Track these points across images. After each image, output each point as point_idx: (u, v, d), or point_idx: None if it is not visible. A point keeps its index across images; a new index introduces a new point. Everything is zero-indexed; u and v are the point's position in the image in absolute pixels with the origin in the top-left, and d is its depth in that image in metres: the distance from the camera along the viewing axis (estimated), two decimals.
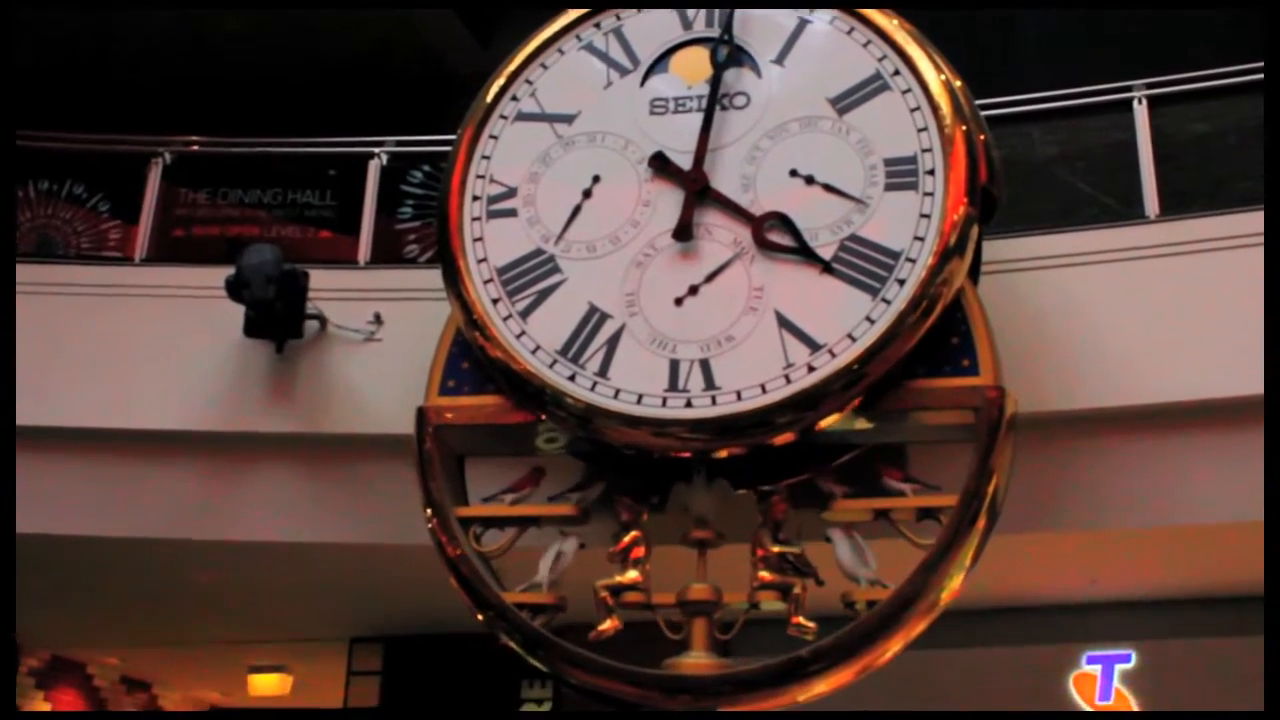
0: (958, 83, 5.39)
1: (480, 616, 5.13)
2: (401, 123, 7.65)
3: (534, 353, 5.24)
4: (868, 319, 4.99)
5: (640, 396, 5.07)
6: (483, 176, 5.68)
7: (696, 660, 5.03)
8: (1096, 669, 7.87)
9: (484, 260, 5.49)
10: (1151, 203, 6.24)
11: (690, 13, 5.83)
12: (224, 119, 8.64)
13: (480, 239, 5.54)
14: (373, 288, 6.65)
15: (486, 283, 5.44)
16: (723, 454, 5.09)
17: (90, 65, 9.96)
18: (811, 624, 4.96)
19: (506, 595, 5.10)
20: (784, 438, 5.01)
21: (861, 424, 5.14)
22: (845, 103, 5.45)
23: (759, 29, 5.72)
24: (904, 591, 4.78)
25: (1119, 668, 7.84)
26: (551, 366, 5.20)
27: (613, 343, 5.22)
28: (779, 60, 5.66)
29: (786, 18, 5.72)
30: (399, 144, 7.40)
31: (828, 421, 5.00)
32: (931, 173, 5.20)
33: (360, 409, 6.34)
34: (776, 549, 5.08)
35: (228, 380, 6.48)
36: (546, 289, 5.39)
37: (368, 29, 9.77)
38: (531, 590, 5.16)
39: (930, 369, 5.06)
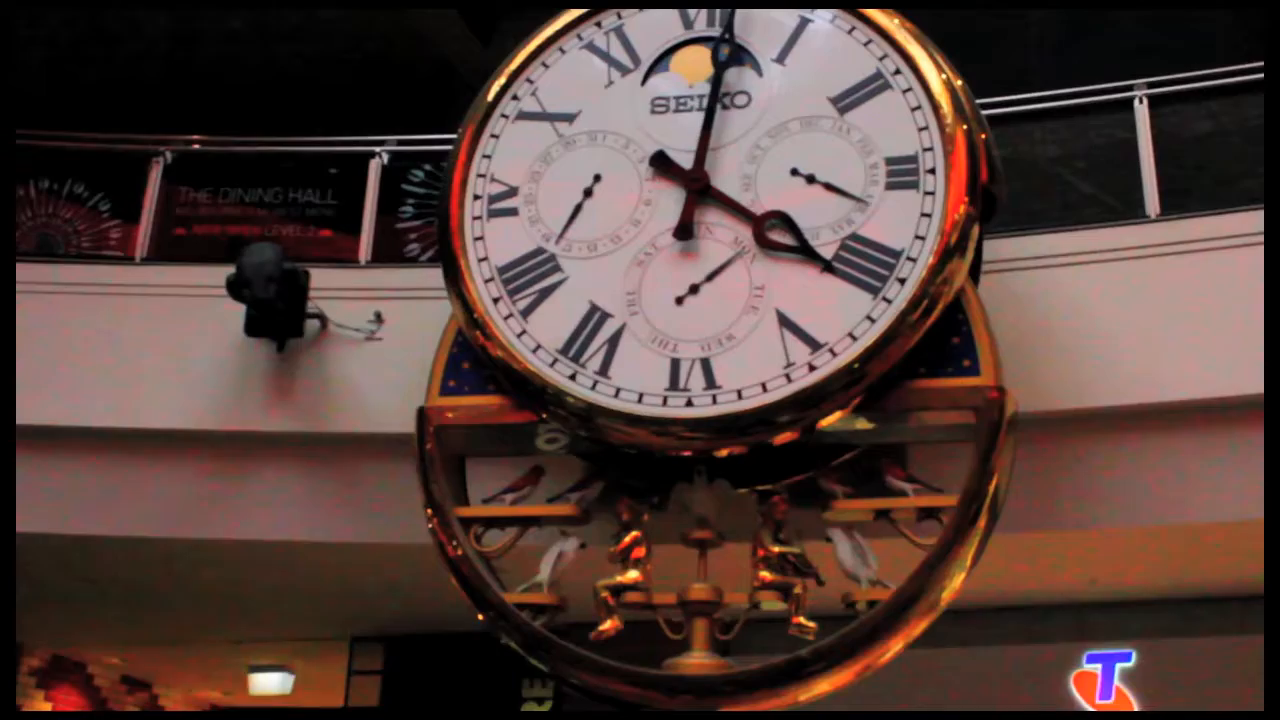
0: (958, 82, 5.39)
1: (481, 617, 5.14)
2: (402, 122, 7.66)
3: (535, 352, 5.24)
4: (868, 318, 4.99)
5: (641, 395, 5.07)
6: (484, 175, 5.68)
7: (697, 660, 5.03)
8: (1097, 668, 7.87)
9: (485, 259, 5.49)
10: (1152, 202, 6.24)
11: (691, 12, 5.82)
12: (225, 118, 8.65)
13: (481, 238, 5.54)
14: (374, 287, 6.66)
15: (487, 282, 5.43)
16: (723, 453, 5.09)
17: (91, 64, 9.96)
18: (812, 624, 4.96)
19: (507, 595, 5.10)
20: (785, 437, 5.01)
21: (862, 424, 5.14)
22: (846, 102, 5.45)
23: (760, 28, 5.71)
24: (905, 592, 4.78)
25: (1119, 666, 7.83)
26: (552, 365, 5.20)
27: (613, 342, 5.22)
28: (780, 59, 5.65)
29: (788, 17, 5.71)
30: (400, 143, 7.41)
31: (828, 421, 5.00)
32: (932, 172, 5.20)
33: (361, 408, 6.34)
34: (777, 549, 5.07)
35: (229, 379, 6.48)
36: (547, 288, 5.39)
37: (369, 28, 9.76)
38: (532, 590, 5.16)
39: (931, 369, 5.05)
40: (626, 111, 5.67)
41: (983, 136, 5.33)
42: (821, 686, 4.81)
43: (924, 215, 5.12)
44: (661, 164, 5.49)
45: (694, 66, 5.72)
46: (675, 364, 5.11)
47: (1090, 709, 7.81)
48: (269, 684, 10.71)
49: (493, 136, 5.75)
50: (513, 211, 5.57)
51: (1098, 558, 6.90)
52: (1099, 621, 7.91)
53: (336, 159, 7.76)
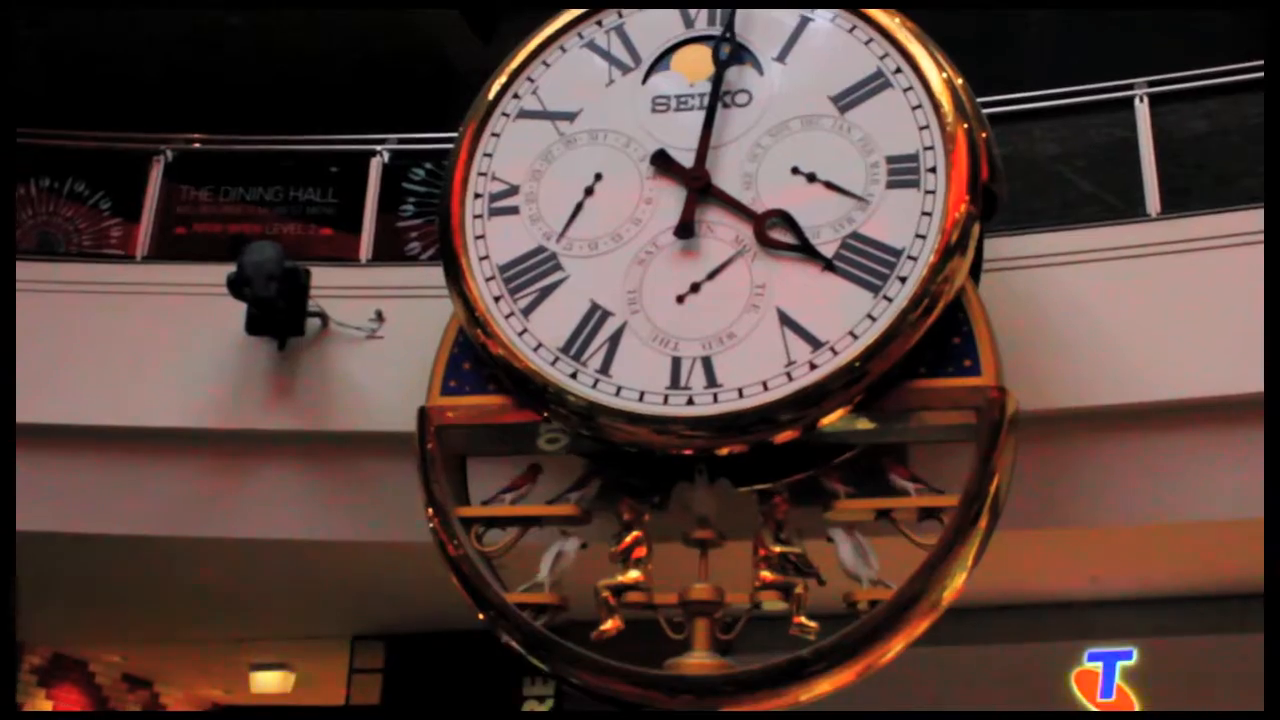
0: (959, 80, 5.39)
1: (481, 616, 5.14)
2: (403, 120, 7.65)
3: (536, 350, 5.24)
4: (869, 316, 4.99)
5: (642, 394, 5.07)
6: (485, 174, 5.68)
7: (698, 660, 5.03)
8: (1098, 666, 7.87)
9: (486, 258, 5.49)
10: (1152, 201, 6.24)
11: (692, 11, 5.82)
12: (226, 116, 8.64)
13: (482, 236, 5.54)
14: (374, 285, 6.65)
15: (488, 280, 5.44)
16: (724, 452, 5.09)
17: (92, 63, 9.95)
18: (813, 624, 4.96)
19: (508, 595, 5.11)
20: (786, 436, 5.01)
21: (863, 424, 5.14)
22: (847, 100, 5.45)
23: (761, 27, 5.72)
24: (906, 591, 4.78)
25: (1120, 664, 7.83)
26: (553, 364, 5.21)
27: (614, 340, 5.22)
28: (781, 58, 5.65)
29: (788, 16, 5.71)
30: (401, 141, 7.41)
31: (829, 420, 5.00)
32: (933, 170, 5.20)
33: (362, 406, 6.34)
34: (778, 549, 5.07)
35: (229, 378, 6.48)
36: (548, 286, 5.39)
37: (370, 26, 9.76)
38: (533, 590, 5.16)
39: (932, 369, 5.06)
40: (627, 110, 5.67)
41: (983, 135, 5.33)
42: (823, 686, 4.81)
43: (925, 214, 5.12)
44: (662, 162, 5.49)
45: (695, 65, 5.72)
46: (676, 362, 5.11)
47: (1091, 708, 7.82)
48: (270, 682, 10.72)
49: (494, 135, 5.75)
50: (514, 210, 5.58)
51: (1098, 556, 6.90)
52: (1100, 620, 7.90)
53: (337, 157, 7.75)
